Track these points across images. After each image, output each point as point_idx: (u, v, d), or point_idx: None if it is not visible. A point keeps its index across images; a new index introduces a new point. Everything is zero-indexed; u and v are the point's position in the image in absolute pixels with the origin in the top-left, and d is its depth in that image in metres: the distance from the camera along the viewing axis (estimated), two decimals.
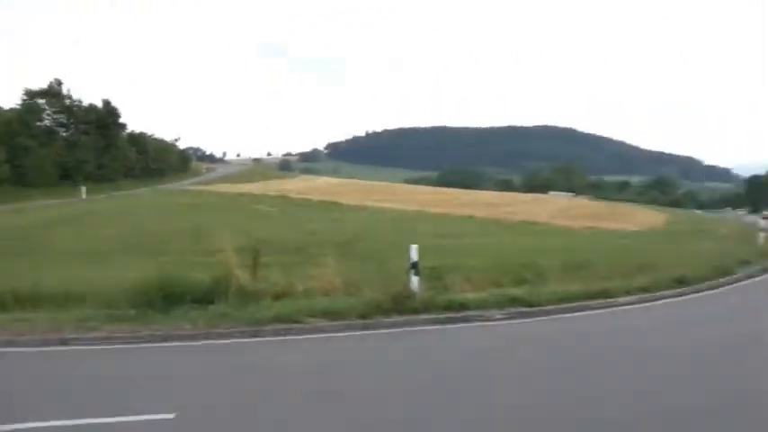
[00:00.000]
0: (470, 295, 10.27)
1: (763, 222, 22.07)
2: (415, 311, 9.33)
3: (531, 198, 60.47)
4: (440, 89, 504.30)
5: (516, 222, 32.51)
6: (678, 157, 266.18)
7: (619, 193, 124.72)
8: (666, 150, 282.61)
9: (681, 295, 11.81)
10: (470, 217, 34.03)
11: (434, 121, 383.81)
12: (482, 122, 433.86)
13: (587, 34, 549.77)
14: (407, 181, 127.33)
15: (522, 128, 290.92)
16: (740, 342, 8.15)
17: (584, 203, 61.65)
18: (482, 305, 9.94)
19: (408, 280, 9.70)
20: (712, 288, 12.54)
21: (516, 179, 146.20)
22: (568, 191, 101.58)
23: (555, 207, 47.93)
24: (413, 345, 8.15)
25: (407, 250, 9.78)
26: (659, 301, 11.25)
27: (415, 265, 9.77)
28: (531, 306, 10.20)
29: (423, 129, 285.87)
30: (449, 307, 9.64)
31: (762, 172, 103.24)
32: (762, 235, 20.19)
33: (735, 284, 13.28)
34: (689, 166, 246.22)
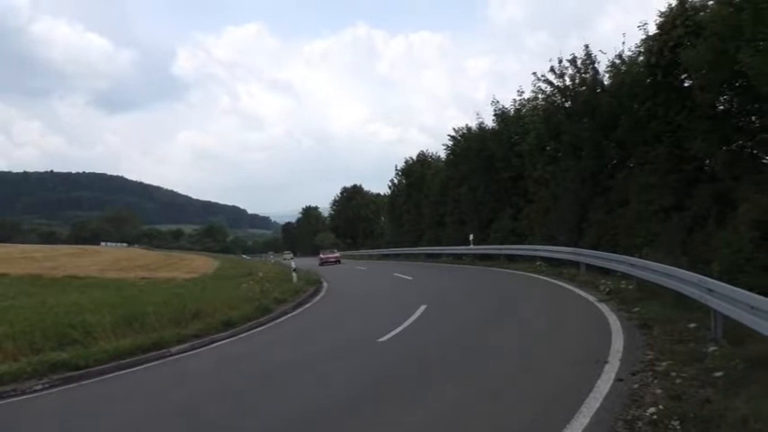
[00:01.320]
0: (1, 367, 8.90)
1: (293, 263, 25.76)
2: None
3: (80, 250, 55.75)
4: None
5: (62, 277, 29.44)
6: (225, 206, 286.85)
7: (174, 241, 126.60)
8: (214, 200, 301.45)
9: (230, 337, 12.68)
10: (2, 275, 29.21)
11: None
12: (14, 167, 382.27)
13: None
14: None
15: (65, 174, 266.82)
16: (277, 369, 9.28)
17: (138, 253, 60.24)
18: (17, 376, 8.74)
19: None
20: (255, 327, 13.85)
21: (63, 230, 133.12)
22: (121, 241, 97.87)
23: (107, 258, 45.37)
24: None
25: None
26: (210, 346, 11.86)
27: None
28: (78, 369, 9.47)
29: None
30: None
31: (293, 220, 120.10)
32: (294, 275, 23.53)
33: (274, 321, 14.96)
34: (236, 215, 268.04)
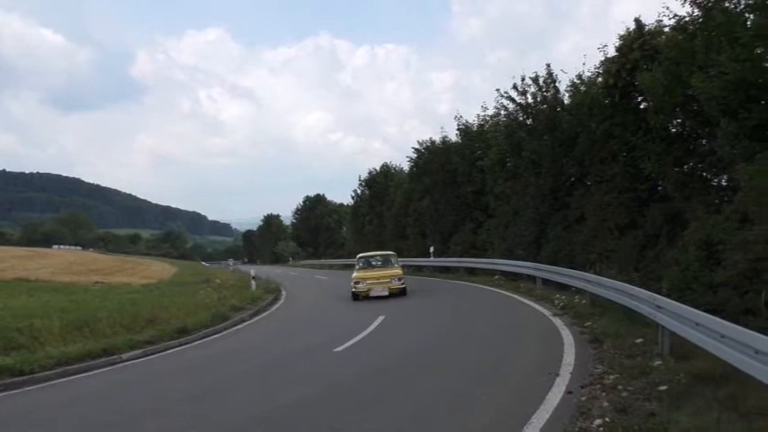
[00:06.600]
0: None
1: (253, 271, 25.47)
2: None
3: (31, 252, 53.92)
4: None
5: (10, 280, 28.46)
6: (185, 212, 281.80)
7: (131, 246, 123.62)
8: (174, 205, 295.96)
9: (184, 344, 12.46)
10: None
11: None
12: None
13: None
14: None
15: (17, 174, 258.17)
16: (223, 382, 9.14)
17: (93, 257, 58.69)
18: None
19: None
20: (211, 335, 13.64)
21: (13, 231, 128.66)
22: (75, 244, 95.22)
23: (59, 261, 44.04)
24: None
25: None
26: (163, 353, 11.62)
27: None
28: (22, 374, 9.17)
29: None
30: None
31: (255, 227, 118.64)
32: (253, 283, 23.25)
33: (231, 329, 14.75)
34: (196, 221, 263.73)
